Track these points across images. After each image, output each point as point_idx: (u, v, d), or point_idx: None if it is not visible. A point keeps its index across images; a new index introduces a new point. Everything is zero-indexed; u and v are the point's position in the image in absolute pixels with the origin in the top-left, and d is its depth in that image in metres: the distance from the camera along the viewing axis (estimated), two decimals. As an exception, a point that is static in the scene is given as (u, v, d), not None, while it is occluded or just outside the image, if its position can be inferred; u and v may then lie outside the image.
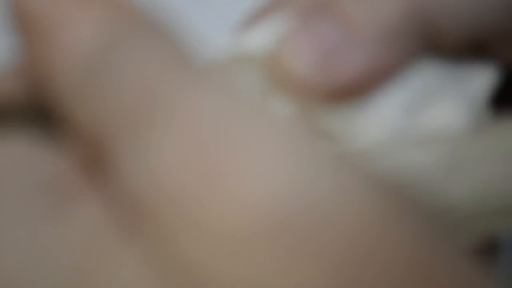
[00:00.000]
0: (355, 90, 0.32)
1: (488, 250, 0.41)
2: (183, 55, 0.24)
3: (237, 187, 0.21)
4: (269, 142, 0.22)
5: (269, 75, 0.33)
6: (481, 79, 0.35)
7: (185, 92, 0.23)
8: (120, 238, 0.23)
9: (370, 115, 0.33)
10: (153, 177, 0.22)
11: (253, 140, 0.22)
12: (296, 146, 0.22)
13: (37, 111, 0.26)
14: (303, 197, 0.21)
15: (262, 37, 0.33)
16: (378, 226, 0.21)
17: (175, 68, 0.24)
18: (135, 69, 0.24)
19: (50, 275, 0.22)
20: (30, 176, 0.24)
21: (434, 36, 0.33)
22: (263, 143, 0.22)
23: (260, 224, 0.21)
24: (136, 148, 0.23)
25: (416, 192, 0.31)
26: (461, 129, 0.34)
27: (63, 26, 0.25)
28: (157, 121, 0.23)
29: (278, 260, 0.20)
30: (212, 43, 0.38)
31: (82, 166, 0.25)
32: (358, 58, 0.32)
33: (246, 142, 0.22)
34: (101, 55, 0.24)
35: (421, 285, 0.21)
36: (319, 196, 0.21)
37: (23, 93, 0.27)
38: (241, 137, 0.22)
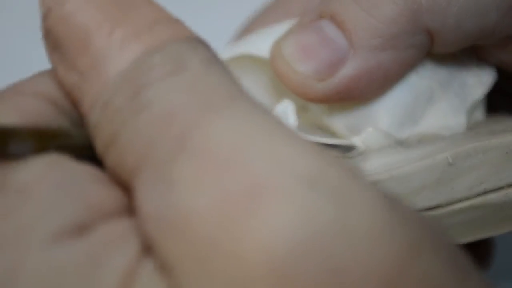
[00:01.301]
0: (351, 94, 0.33)
1: (485, 247, 0.42)
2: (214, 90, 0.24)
3: (250, 234, 0.21)
4: (285, 196, 0.21)
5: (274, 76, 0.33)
6: (478, 82, 0.35)
7: (209, 129, 0.23)
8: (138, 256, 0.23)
9: (368, 116, 0.33)
10: (169, 220, 0.22)
11: (270, 193, 0.21)
12: (311, 202, 0.22)
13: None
14: (308, 253, 0.21)
15: (270, 40, 0.33)
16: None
17: (201, 107, 0.23)
18: (161, 107, 0.23)
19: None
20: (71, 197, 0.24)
21: (431, 41, 0.33)
22: (280, 196, 0.21)
23: (266, 266, 0.21)
24: (155, 183, 0.23)
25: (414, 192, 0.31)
26: (458, 130, 0.34)
27: (98, 58, 0.25)
28: (177, 159, 0.22)
29: None
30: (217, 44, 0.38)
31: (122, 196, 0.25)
32: (354, 63, 0.32)
33: (264, 193, 0.21)
34: (130, 95, 0.24)
35: None
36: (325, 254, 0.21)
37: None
38: (261, 187, 0.22)
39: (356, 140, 0.33)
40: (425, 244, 0.22)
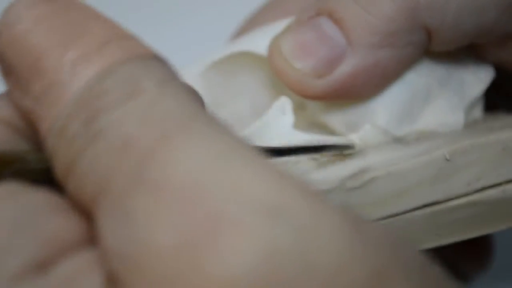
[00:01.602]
0: (348, 91, 0.33)
1: (485, 247, 0.41)
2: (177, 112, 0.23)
3: (212, 269, 0.21)
4: (248, 221, 0.21)
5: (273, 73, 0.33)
6: (476, 79, 0.35)
7: (165, 158, 0.22)
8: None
9: (366, 114, 0.33)
10: (130, 256, 0.22)
11: (228, 226, 0.21)
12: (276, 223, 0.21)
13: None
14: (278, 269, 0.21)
15: (269, 38, 0.33)
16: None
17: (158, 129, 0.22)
18: (115, 136, 0.23)
19: None
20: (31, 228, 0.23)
21: (429, 39, 0.33)
22: (239, 229, 0.21)
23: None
24: (114, 216, 0.22)
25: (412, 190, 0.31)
26: (456, 128, 0.34)
27: (49, 76, 0.24)
28: (135, 192, 0.22)
29: None
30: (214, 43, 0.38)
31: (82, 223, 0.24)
32: (352, 60, 0.32)
33: (222, 226, 0.21)
34: (85, 119, 0.23)
35: None
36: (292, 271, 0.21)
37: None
38: (223, 213, 0.21)
39: (354, 137, 0.33)
40: (393, 269, 0.22)
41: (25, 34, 0.24)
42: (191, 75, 0.35)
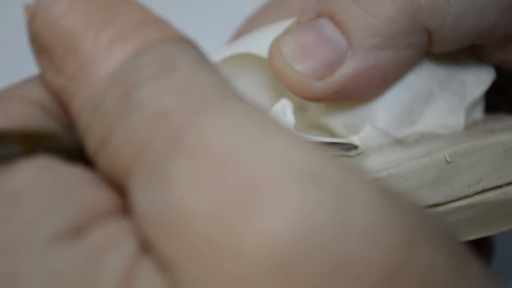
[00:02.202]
0: (349, 93, 0.33)
1: (486, 247, 0.41)
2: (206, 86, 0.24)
3: (250, 231, 0.21)
4: (282, 189, 0.21)
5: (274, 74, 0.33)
6: (477, 80, 0.35)
7: (203, 127, 0.23)
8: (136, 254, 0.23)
9: (367, 115, 0.33)
10: (166, 219, 0.22)
11: (267, 189, 0.21)
12: (310, 193, 0.21)
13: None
14: (307, 242, 0.21)
15: (269, 39, 0.33)
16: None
17: (196, 101, 0.23)
18: (153, 107, 0.23)
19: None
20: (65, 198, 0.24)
21: (430, 41, 0.33)
22: (277, 192, 0.21)
23: (267, 262, 0.21)
24: (151, 183, 0.23)
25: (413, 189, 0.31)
26: (457, 129, 0.34)
27: (87, 59, 0.24)
28: (172, 158, 0.22)
29: None
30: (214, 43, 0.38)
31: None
32: (353, 62, 0.32)
33: (261, 190, 0.21)
34: (121, 94, 0.24)
35: None
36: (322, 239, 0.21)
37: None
38: (257, 182, 0.22)
39: (355, 139, 0.33)
40: (425, 237, 0.22)
41: (60, 16, 0.25)
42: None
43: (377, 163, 0.32)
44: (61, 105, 0.26)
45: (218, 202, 0.22)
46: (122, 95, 0.24)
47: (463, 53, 0.35)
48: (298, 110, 0.34)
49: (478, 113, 0.35)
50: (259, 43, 0.34)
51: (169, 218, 0.22)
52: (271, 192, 0.21)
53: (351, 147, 0.32)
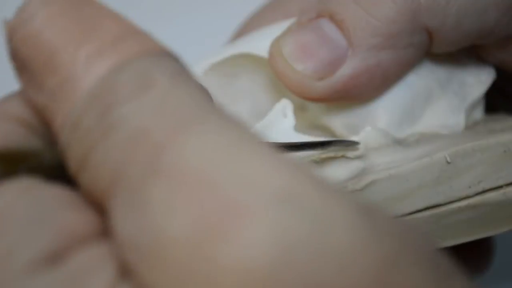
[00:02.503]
0: (349, 93, 0.33)
1: (486, 248, 0.41)
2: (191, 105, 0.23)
3: (225, 258, 0.21)
4: (261, 210, 0.21)
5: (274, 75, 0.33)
6: (477, 81, 0.35)
7: (181, 149, 0.22)
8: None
9: (367, 116, 0.33)
10: (145, 245, 0.22)
11: (243, 214, 0.21)
12: (288, 209, 0.21)
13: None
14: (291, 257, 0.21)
15: (269, 39, 0.33)
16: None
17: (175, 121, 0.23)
18: (131, 127, 0.23)
19: None
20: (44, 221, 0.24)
21: (430, 40, 0.33)
22: (254, 217, 0.21)
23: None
24: (129, 207, 0.22)
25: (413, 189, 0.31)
26: (457, 129, 0.34)
27: (67, 74, 0.24)
28: (150, 181, 0.22)
29: None
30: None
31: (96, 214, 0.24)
32: (353, 62, 0.32)
33: (238, 214, 0.21)
34: (100, 112, 0.23)
35: None
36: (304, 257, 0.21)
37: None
38: (238, 203, 0.21)
39: (355, 140, 0.33)
40: (405, 257, 0.22)
41: (40, 31, 0.25)
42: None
43: (377, 163, 0.32)
44: (43, 122, 0.25)
45: (195, 228, 0.21)
46: (101, 114, 0.23)
47: (463, 53, 0.35)
48: (299, 110, 0.34)
49: (478, 113, 0.35)
50: (259, 43, 0.34)
51: (148, 244, 0.22)
52: (246, 218, 0.21)
53: (352, 144, 0.32)
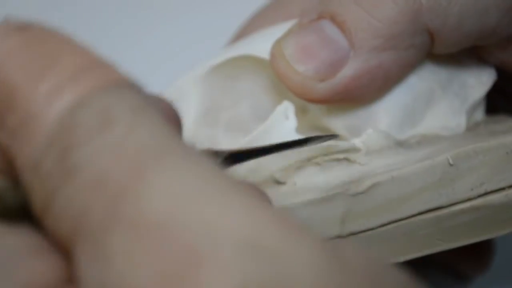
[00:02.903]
0: (351, 94, 0.32)
1: (485, 248, 0.41)
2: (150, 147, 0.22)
3: None
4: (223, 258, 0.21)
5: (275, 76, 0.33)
6: (478, 82, 0.35)
7: (140, 193, 0.22)
8: None
9: (368, 117, 0.33)
10: None
11: (205, 263, 0.21)
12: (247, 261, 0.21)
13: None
14: None
15: (271, 41, 0.33)
16: None
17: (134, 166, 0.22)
18: (90, 172, 0.22)
19: None
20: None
21: (431, 41, 0.33)
22: (215, 266, 0.21)
23: None
24: (92, 257, 0.22)
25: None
26: (458, 131, 0.34)
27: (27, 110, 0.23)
28: (111, 230, 0.22)
29: None
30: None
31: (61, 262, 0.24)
32: (355, 63, 0.32)
33: (199, 264, 0.21)
34: (61, 154, 0.23)
35: None
36: None
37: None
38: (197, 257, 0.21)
39: (356, 142, 0.33)
40: None
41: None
42: (192, 78, 0.35)
43: (379, 165, 0.32)
44: (6, 160, 0.24)
45: (156, 278, 0.21)
46: (60, 156, 0.23)
47: (464, 54, 0.35)
48: (300, 112, 0.34)
49: (480, 114, 0.35)
50: (261, 45, 0.34)
51: None
52: (209, 266, 0.21)
53: (354, 149, 0.32)
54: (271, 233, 0.21)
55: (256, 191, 0.26)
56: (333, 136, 0.32)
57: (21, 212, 0.24)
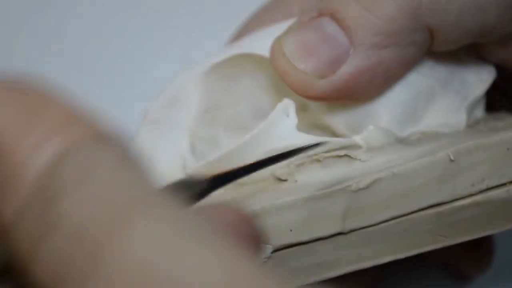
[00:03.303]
0: (351, 92, 0.32)
1: (484, 246, 0.41)
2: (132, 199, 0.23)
3: None
4: None
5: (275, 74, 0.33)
6: (478, 79, 0.35)
7: (119, 246, 0.22)
8: None
9: (369, 115, 0.33)
10: None
11: None
12: None
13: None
14: None
15: (271, 39, 0.33)
16: None
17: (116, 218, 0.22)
18: (71, 224, 0.22)
19: None
20: None
21: (431, 38, 0.33)
22: None
23: None
24: None
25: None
26: (459, 128, 0.34)
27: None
28: (90, 284, 0.22)
29: None
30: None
31: None
32: (355, 60, 0.32)
33: None
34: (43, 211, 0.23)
35: None
36: None
37: None
38: None
39: (357, 139, 0.33)
40: None
41: None
42: (192, 77, 0.35)
43: (380, 162, 0.32)
44: None
45: None
46: (43, 209, 0.23)
47: (464, 52, 0.35)
48: (300, 110, 0.34)
49: (480, 111, 0.35)
50: (260, 43, 0.34)
51: None
52: None
53: (355, 146, 0.32)
54: (245, 281, 0.22)
55: (234, 236, 0.26)
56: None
57: (7, 267, 0.24)
